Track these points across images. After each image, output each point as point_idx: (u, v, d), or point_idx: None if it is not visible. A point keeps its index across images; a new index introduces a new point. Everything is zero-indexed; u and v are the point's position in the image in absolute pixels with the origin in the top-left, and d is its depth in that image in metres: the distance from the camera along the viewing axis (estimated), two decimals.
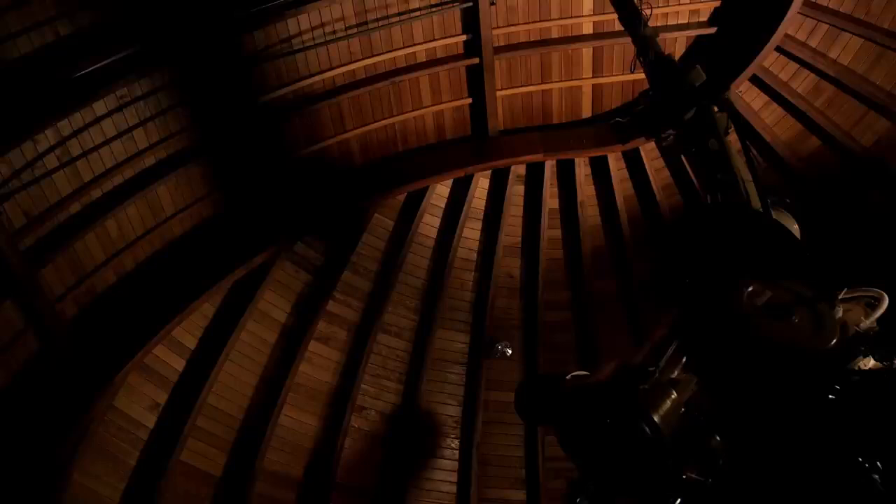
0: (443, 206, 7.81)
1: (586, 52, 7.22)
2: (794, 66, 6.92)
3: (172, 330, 6.34)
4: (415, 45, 6.84)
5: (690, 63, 2.82)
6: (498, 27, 6.92)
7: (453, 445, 7.61)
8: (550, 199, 7.78)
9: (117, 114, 5.65)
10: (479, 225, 7.90)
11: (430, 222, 7.77)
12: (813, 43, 6.72)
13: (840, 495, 1.25)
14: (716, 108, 2.69)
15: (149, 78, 5.73)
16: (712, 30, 7.07)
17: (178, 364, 6.48)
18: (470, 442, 7.53)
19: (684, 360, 1.61)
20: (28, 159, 5.20)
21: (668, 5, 6.94)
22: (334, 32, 6.42)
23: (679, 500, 1.38)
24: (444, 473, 7.53)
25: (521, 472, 7.60)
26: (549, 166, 7.66)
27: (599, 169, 7.73)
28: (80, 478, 5.67)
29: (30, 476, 5.34)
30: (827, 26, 6.60)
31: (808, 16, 6.60)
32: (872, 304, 1.97)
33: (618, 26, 6.71)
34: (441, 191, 7.77)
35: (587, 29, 7.11)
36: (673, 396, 1.44)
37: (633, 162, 7.68)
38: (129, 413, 6.11)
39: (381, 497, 7.30)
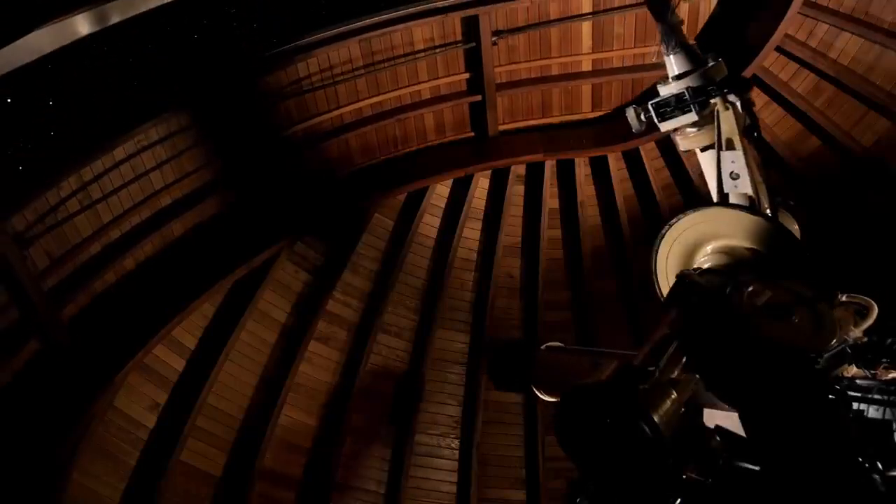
0: (443, 206, 7.81)
1: (585, 88, 7.49)
2: (794, 66, 6.92)
3: (172, 330, 6.34)
4: (419, 82, 7.12)
5: (714, 56, 2.75)
6: (500, 65, 7.14)
7: (453, 445, 7.61)
8: (550, 199, 7.78)
9: (135, 158, 5.95)
10: (479, 225, 7.91)
11: (430, 222, 7.77)
12: (813, 43, 6.72)
13: (840, 495, 1.25)
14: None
15: (165, 123, 6.03)
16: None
17: (178, 364, 6.48)
18: (470, 442, 7.53)
19: (684, 360, 1.61)
20: (52, 204, 5.50)
21: None
22: (342, 74, 6.72)
23: (679, 500, 1.38)
24: (444, 473, 7.54)
25: (521, 472, 7.60)
26: (549, 166, 7.67)
27: (599, 169, 7.73)
28: (80, 478, 5.66)
29: (30, 476, 5.34)
30: (827, 26, 6.60)
31: (808, 16, 6.60)
32: (862, 313, 1.95)
33: (615, 63, 7.35)
34: (441, 191, 7.77)
35: (586, 66, 7.36)
36: (673, 396, 1.44)
37: (633, 162, 7.69)
38: (129, 413, 6.11)
39: (381, 497, 7.30)
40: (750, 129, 2.53)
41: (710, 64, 2.70)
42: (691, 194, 7.58)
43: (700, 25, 7.08)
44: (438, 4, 6.59)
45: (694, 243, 2.21)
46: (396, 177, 7.40)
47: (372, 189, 7.33)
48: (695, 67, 2.69)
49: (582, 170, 7.68)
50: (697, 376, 1.61)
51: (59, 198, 5.52)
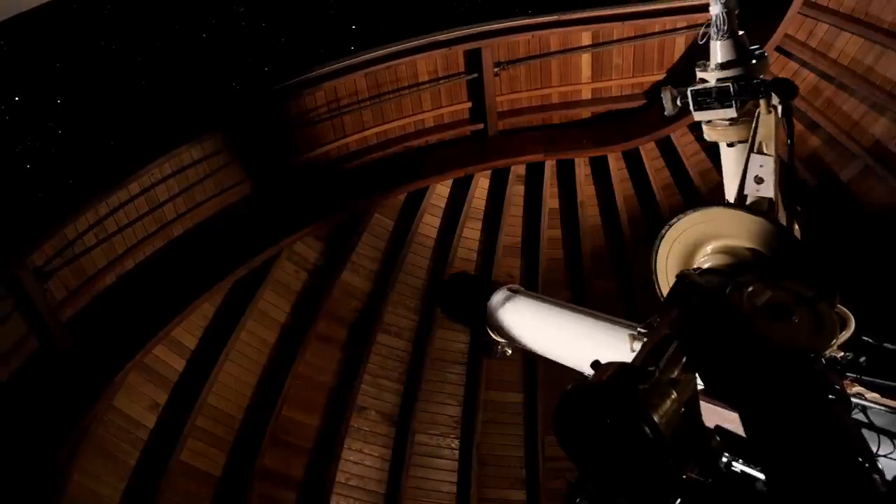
0: (443, 206, 7.81)
1: (585, 115, 7.67)
2: (794, 65, 6.92)
3: (172, 330, 6.34)
4: (423, 111, 7.30)
5: (761, 51, 2.62)
6: (501, 94, 7.32)
7: (453, 445, 7.61)
8: (550, 199, 7.78)
9: (149, 192, 6.12)
10: (479, 225, 7.91)
11: (430, 222, 7.77)
12: (813, 43, 6.72)
13: (840, 496, 1.25)
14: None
15: (178, 158, 6.23)
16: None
17: (178, 364, 6.48)
18: (470, 442, 7.53)
19: (684, 360, 1.61)
20: (70, 239, 5.74)
21: None
22: (348, 105, 6.91)
23: (679, 500, 1.38)
24: (444, 473, 7.54)
25: (521, 472, 7.60)
26: (549, 166, 7.67)
27: (599, 169, 7.73)
28: (80, 478, 5.66)
29: (30, 476, 5.34)
30: (827, 26, 6.61)
31: (808, 16, 6.60)
32: (841, 325, 1.88)
33: (614, 92, 7.53)
34: (441, 191, 7.77)
35: (586, 94, 7.53)
36: (673, 396, 1.44)
37: (633, 162, 7.69)
38: (129, 413, 6.11)
39: (381, 497, 7.30)
40: (788, 136, 2.41)
41: (758, 60, 2.56)
42: (691, 194, 7.58)
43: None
44: (442, 38, 6.80)
45: (694, 243, 2.21)
46: (396, 177, 7.40)
47: (372, 189, 7.33)
48: (741, 60, 2.55)
49: (582, 170, 7.68)
50: (697, 376, 1.61)
51: (77, 232, 5.75)
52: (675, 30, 7.08)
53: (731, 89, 2.46)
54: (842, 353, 1.95)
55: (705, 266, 2.12)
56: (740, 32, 2.59)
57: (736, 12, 2.58)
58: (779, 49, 6.81)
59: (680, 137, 7.43)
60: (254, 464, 6.69)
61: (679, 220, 2.17)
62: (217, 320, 6.72)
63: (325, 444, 7.17)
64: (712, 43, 2.61)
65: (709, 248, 2.16)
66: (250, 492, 6.63)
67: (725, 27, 2.56)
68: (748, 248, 2.08)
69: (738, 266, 2.05)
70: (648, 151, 7.55)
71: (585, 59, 7.27)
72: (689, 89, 2.55)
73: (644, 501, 1.41)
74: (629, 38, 7.11)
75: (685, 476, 1.42)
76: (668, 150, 7.61)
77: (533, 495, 7.49)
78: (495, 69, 7.05)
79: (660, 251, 2.25)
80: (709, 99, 2.50)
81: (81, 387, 5.76)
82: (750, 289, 1.66)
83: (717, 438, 1.49)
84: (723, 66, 2.56)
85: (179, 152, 6.20)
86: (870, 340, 2.05)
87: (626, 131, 7.49)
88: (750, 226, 2.07)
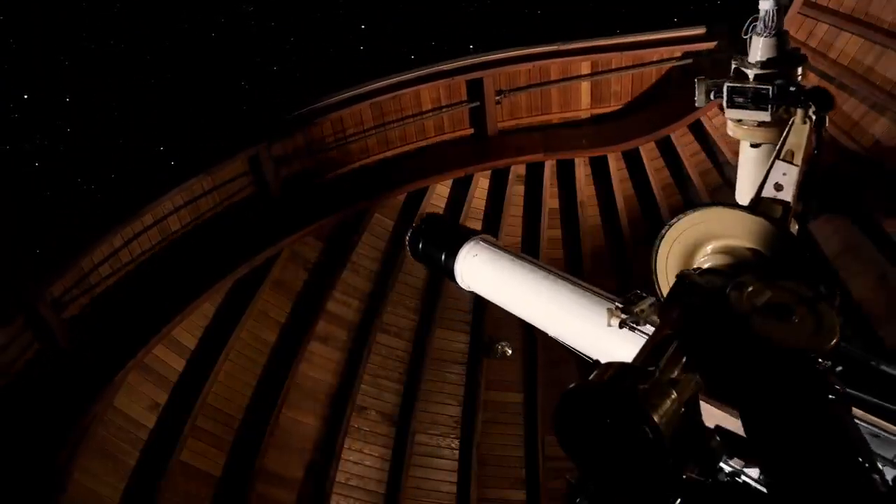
0: (443, 206, 7.81)
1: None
2: None
3: (172, 330, 6.34)
4: (427, 138, 7.51)
5: (803, 55, 2.52)
6: (503, 120, 7.49)
7: (453, 445, 7.61)
8: (550, 199, 7.78)
9: (161, 223, 6.36)
10: (479, 225, 7.90)
11: None
12: (813, 43, 6.72)
13: (840, 496, 1.25)
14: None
15: (188, 191, 6.43)
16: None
17: (178, 364, 6.48)
18: (470, 442, 7.53)
19: (684, 360, 1.61)
20: (85, 271, 5.97)
21: None
22: (354, 134, 7.12)
23: (679, 501, 1.38)
24: (444, 473, 7.54)
25: (521, 472, 7.60)
26: (549, 166, 7.67)
27: (599, 169, 7.73)
28: (80, 478, 5.67)
29: (30, 475, 5.34)
30: (827, 26, 6.60)
31: (808, 16, 6.60)
32: None
33: (613, 117, 7.62)
34: (441, 191, 7.77)
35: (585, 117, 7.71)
36: (673, 396, 1.44)
37: (633, 162, 7.69)
38: (129, 413, 6.11)
39: (381, 497, 7.30)
40: (815, 148, 2.33)
41: (800, 66, 2.46)
42: (691, 194, 7.58)
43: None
44: (445, 68, 7.01)
45: (694, 243, 2.20)
46: (396, 177, 7.40)
47: (372, 189, 7.33)
48: (782, 61, 2.45)
49: (582, 170, 7.68)
50: (698, 376, 1.62)
51: (93, 264, 5.98)
52: (671, 59, 7.28)
53: (770, 93, 2.36)
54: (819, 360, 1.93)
55: (705, 266, 2.12)
56: (785, 30, 2.51)
57: (785, 13, 2.49)
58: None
59: (680, 137, 7.44)
60: (254, 464, 6.69)
61: (679, 220, 2.16)
62: (217, 320, 6.72)
63: (325, 444, 7.17)
64: (755, 38, 2.52)
65: (709, 248, 2.16)
66: (250, 492, 6.63)
67: (773, 24, 2.49)
68: (748, 248, 2.08)
69: (738, 266, 2.05)
70: (648, 151, 7.55)
71: (585, 86, 7.47)
72: (726, 84, 2.44)
73: (644, 502, 1.41)
74: (627, 67, 7.35)
75: (685, 476, 1.42)
76: (668, 150, 7.61)
77: (533, 495, 7.49)
78: (497, 97, 7.25)
79: (660, 251, 2.24)
80: (745, 99, 2.40)
81: (81, 387, 5.77)
82: (750, 289, 1.66)
83: (717, 438, 1.49)
84: (763, 65, 2.46)
85: (191, 184, 6.40)
86: (847, 347, 2.03)
87: (626, 131, 7.50)
88: (750, 226, 2.07)
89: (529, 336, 7.71)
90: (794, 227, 2.34)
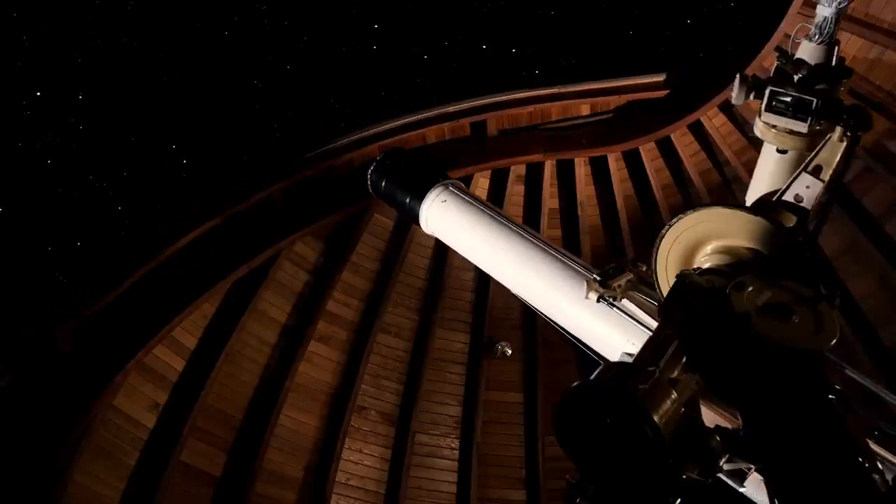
0: None
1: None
2: None
3: (172, 330, 6.34)
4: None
5: (849, 70, 2.47)
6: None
7: (453, 445, 7.61)
8: (550, 199, 7.79)
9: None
10: None
11: None
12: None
13: (840, 496, 1.25)
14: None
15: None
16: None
17: (178, 364, 6.48)
18: (470, 442, 7.53)
19: (684, 360, 1.61)
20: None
21: None
22: (362, 166, 7.08)
23: (679, 501, 1.38)
24: (444, 473, 7.53)
25: (521, 472, 7.60)
26: (549, 166, 7.67)
27: (599, 169, 7.73)
28: (80, 478, 5.66)
29: (30, 475, 5.34)
30: None
31: (808, 16, 6.59)
32: None
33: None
34: None
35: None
36: (673, 396, 1.44)
37: (633, 162, 7.69)
38: (129, 413, 6.11)
39: (381, 497, 7.30)
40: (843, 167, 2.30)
41: (845, 79, 2.42)
42: (691, 194, 7.59)
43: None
44: (450, 110, 7.27)
45: (694, 243, 2.20)
46: None
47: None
48: (830, 72, 2.41)
49: (582, 170, 7.69)
50: (698, 376, 1.62)
51: None
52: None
53: (814, 105, 2.30)
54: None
55: (705, 266, 2.12)
56: (837, 40, 2.44)
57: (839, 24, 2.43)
58: (779, 49, 6.80)
59: (680, 137, 7.44)
60: (254, 464, 6.68)
61: (679, 220, 2.16)
62: (217, 320, 6.72)
63: (325, 445, 7.17)
64: (806, 43, 2.47)
65: (709, 248, 2.16)
66: (250, 492, 6.63)
67: (828, 31, 2.41)
68: (748, 248, 2.08)
69: (738, 266, 2.04)
70: (648, 151, 7.55)
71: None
72: (769, 87, 2.37)
73: (644, 502, 1.41)
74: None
75: (685, 476, 1.42)
76: (668, 150, 7.61)
77: (533, 495, 7.49)
78: (498, 134, 7.47)
79: (660, 251, 2.23)
80: (784, 105, 2.34)
81: (82, 386, 5.77)
82: (750, 289, 1.66)
83: (717, 438, 1.49)
84: (811, 73, 2.39)
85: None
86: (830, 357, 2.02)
87: (626, 131, 7.50)
88: (750, 226, 2.07)
89: (529, 336, 7.71)
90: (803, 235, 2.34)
